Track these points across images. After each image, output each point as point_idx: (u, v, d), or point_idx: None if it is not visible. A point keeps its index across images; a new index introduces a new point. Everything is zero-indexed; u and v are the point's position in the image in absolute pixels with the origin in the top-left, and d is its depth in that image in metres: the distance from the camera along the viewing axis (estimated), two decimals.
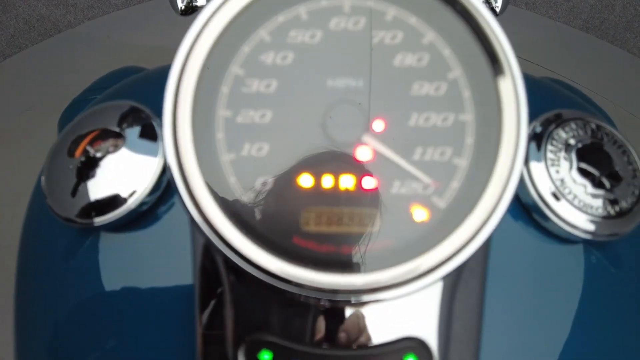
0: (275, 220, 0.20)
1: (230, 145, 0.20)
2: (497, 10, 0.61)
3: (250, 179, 0.20)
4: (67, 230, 0.33)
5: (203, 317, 0.23)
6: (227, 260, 0.20)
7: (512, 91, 0.20)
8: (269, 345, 0.21)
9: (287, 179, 0.21)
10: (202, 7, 0.63)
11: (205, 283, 0.23)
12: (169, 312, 0.30)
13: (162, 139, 0.30)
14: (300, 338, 0.21)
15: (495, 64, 0.20)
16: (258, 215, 0.20)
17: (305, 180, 0.21)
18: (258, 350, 0.21)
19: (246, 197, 0.20)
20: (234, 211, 0.20)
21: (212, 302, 0.23)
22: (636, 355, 0.31)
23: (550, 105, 0.33)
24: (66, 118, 0.66)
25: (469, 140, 0.21)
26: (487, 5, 0.62)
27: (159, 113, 0.31)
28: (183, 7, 0.59)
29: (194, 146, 0.19)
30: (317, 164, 0.21)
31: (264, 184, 0.20)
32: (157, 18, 2.15)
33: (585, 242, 0.30)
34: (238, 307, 0.22)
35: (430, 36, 0.21)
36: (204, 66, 0.19)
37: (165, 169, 0.29)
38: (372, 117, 0.21)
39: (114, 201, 0.29)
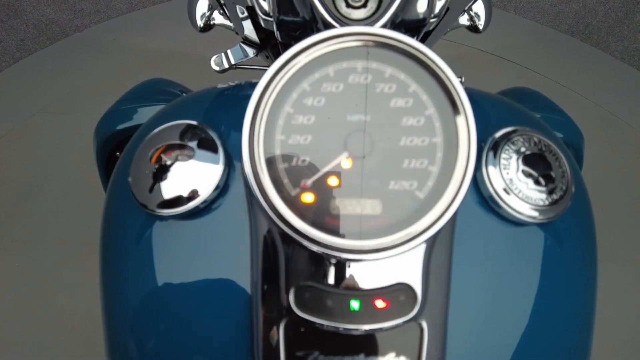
0: (314, 206, 0.31)
1: (284, 158, 0.31)
2: (480, 28, 0.71)
3: (297, 180, 0.31)
4: (140, 217, 0.43)
5: (263, 273, 0.34)
6: (283, 232, 0.31)
7: (465, 125, 0.31)
8: (310, 288, 0.32)
9: (321, 180, 0.31)
10: (220, 25, 0.71)
11: (265, 249, 0.34)
12: (222, 283, 0.40)
13: (222, 152, 0.40)
14: (331, 284, 0.32)
15: (455, 107, 0.31)
16: (303, 203, 0.31)
17: (333, 180, 0.32)
18: (303, 291, 0.32)
19: (295, 192, 0.31)
20: (288, 201, 0.31)
21: (269, 262, 0.34)
22: (568, 308, 0.42)
23: (508, 121, 0.44)
24: (102, 127, 0.74)
25: (439, 154, 0.31)
26: (471, 23, 0.72)
27: (216, 130, 0.42)
28: (202, 25, 0.67)
29: (265, 159, 0.30)
30: (341, 170, 0.32)
31: (306, 183, 0.31)
32: (160, 22, 2.24)
33: (529, 223, 0.41)
34: (288, 264, 0.33)
35: (413, 87, 0.32)
36: (271, 108, 0.31)
37: (222, 174, 0.40)
38: (375, 140, 0.32)
39: (181, 199, 0.39)
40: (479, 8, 0.70)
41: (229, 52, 0.66)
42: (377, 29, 0.31)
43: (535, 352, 0.40)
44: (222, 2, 0.63)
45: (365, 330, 0.31)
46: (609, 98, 2.10)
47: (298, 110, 0.32)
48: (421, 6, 0.47)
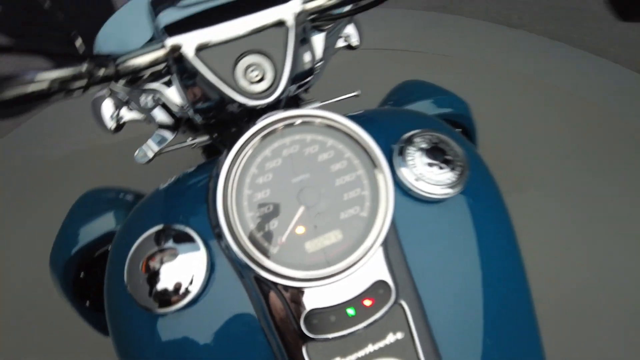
0: (293, 254, 0.41)
1: (258, 228, 0.41)
2: (354, 45, 0.78)
3: (274, 240, 0.41)
4: (147, 318, 0.49)
5: (272, 317, 0.43)
6: (258, 277, 0.41)
7: (383, 180, 0.43)
8: (315, 312, 0.41)
9: (291, 233, 0.41)
10: (131, 120, 0.71)
11: (267, 300, 0.43)
12: (242, 343, 0.46)
13: (199, 238, 0.47)
14: (330, 305, 0.41)
15: (375, 167, 0.43)
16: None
17: (300, 229, 0.42)
18: (311, 317, 0.41)
19: (276, 249, 0.41)
20: (274, 258, 0.40)
21: (274, 309, 0.43)
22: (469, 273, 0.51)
23: (406, 127, 0.56)
24: (56, 257, 0.74)
25: (367, 203, 0.43)
26: (347, 43, 0.82)
27: (187, 223, 0.49)
28: (114, 127, 0.69)
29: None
30: (303, 219, 0.42)
31: (281, 240, 0.41)
32: (51, 127, 2.17)
33: (440, 200, 0.52)
34: (289, 302, 0.42)
35: (348, 154, 0.43)
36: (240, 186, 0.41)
37: (208, 261, 0.47)
38: (320, 195, 0.42)
39: (179, 292, 0.45)
40: (349, 29, 0.76)
41: (149, 142, 0.68)
42: (310, 110, 0.43)
43: (490, 297, 0.49)
44: (126, 100, 0.67)
45: (365, 326, 0.41)
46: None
47: (255, 189, 0.42)
48: (307, 61, 0.58)
